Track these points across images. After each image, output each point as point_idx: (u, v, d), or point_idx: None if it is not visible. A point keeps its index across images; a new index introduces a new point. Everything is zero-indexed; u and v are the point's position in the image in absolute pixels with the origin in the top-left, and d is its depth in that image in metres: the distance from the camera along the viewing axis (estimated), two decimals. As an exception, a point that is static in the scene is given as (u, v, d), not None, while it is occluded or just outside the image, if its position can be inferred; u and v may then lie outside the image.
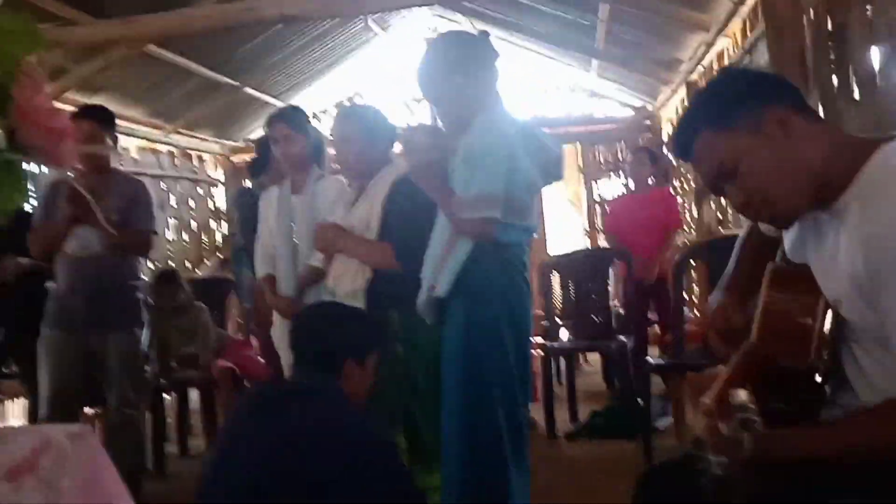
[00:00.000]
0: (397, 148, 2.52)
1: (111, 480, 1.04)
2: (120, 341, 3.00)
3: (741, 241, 1.48)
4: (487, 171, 1.92)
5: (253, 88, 6.59)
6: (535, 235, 4.40)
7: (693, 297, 5.59)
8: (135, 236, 3.03)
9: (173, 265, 6.08)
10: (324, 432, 1.70)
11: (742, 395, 1.09)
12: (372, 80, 7.94)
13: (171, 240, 6.72)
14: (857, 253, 1.10)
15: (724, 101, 1.22)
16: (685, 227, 6.02)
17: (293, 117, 2.80)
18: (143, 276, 3.23)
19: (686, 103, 5.61)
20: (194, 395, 4.53)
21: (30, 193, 4.86)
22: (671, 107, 6.60)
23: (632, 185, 4.82)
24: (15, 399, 3.84)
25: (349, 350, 1.87)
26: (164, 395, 4.30)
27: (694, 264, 4.20)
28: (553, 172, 2.12)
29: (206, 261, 6.91)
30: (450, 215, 2.00)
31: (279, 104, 6.87)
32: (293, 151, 2.73)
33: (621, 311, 4.71)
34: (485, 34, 2.14)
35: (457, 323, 2.00)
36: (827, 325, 1.21)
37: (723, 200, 5.15)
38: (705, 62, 5.18)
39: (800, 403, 1.18)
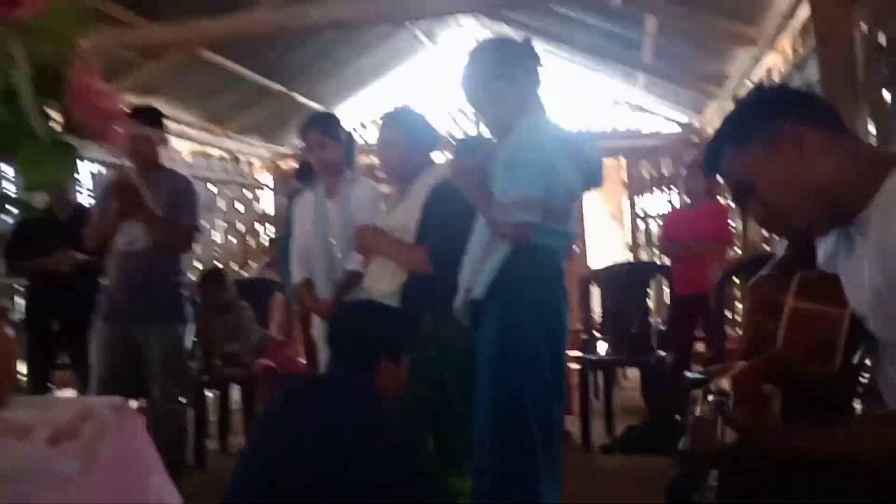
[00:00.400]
0: (439, 155, 2.57)
1: (149, 455, 1.08)
2: (162, 335, 3.07)
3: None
4: (527, 176, 1.94)
5: (302, 95, 6.72)
6: (574, 245, 4.40)
7: (735, 314, 5.49)
8: (178, 231, 3.10)
9: (220, 265, 6.22)
10: (352, 423, 1.74)
11: (725, 382, 1.12)
12: (419, 91, 8.03)
13: (218, 241, 6.88)
14: (876, 266, 1.09)
15: (743, 118, 1.27)
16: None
17: (326, 123, 2.87)
18: (188, 273, 3.31)
19: (741, 99, 5.53)
20: (236, 392, 4.63)
21: (88, 190, 5.07)
22: (718, 122, 6.51)
23: (686, 198, 4.77)
24: (67, 390, 3.96)
25: (385, 348, 1.92)
26: (207, 392, 4.41)
27: (738, 281, 4.14)
28: (593, 179, 2.13)
29: (251, 262, 7.05)
30: (489, 219, 2.02)
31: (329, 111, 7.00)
32: (327, 157, 2.80)
33: (662, 326, 4.66)
34: (528, 40, 2.16)
35: (492, 326, 2.01)
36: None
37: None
38: (753, 77, 5.11)
39: (825, 413, 1.16)
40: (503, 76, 2.05)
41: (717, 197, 4.76)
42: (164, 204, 3.03)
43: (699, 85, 6.14)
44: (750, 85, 5.21)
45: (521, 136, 1.99)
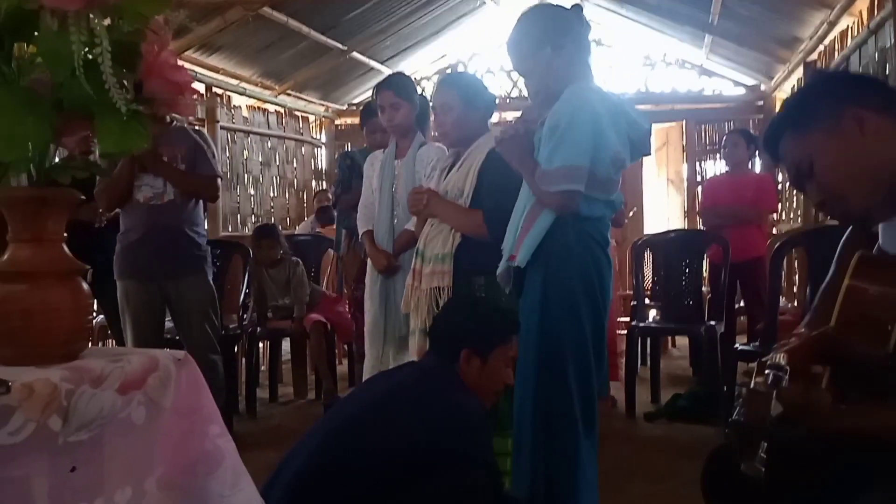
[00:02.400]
0: (495, 117, 2.56)
1: (209, 406, 1.15)
2: (193, 287, 3.12)
3: (842, 245, 1.45)
4: (572, 144, 1.92)
5: (360, 53, 6.72)
6: (630, 210, 4.29)
7: (793, 287, 5.37)
8: (203, 181, 3.15)
9: (261, 221, 6.35)
10: (423, 393, 1.88)
11: (781, 356, 1.12)
12: (478, 50, 7.93)
13: (274, 197, 7.02)
14: None
15: (804, 101, 1.27)
16: (781, 213, 5.77)
17: (400, 84, 2.85)
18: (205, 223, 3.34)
19: (803, 83, 5.33)
20: (286, 344, 4.77)
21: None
22: (787, 87, 6.28)
23: (727, 167, 4.66)
24: (102, 343, 4.05)
25: (469, 340, 1.96)
26: (259, 344, 4.56)
27: (795, 253, 4.05)
28: (641, 147, 2.09)
29: (306, 219, 7.18)
30: (533, 187, 2.02)
31: (384, 70, 6.99)
32: (398, 118, 2.81)
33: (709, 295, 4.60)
34: (578, 7, 2.12)
35: (534, 293, 2.02)
36: None
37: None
38: (826, 41, 4.90)
39: (874, 394, 1.15)
40: (551, 43, 2.02)
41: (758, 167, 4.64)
42: (184, 157, 3.07)
43: (769, 48, 5.92)
44: (822, 49, 5.00)
45: (568, 104, 1.96)
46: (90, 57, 0.76)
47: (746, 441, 1.12)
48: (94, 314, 3.91)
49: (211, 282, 3.24)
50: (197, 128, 3.49)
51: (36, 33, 0.79)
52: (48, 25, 0.76)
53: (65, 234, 0.96)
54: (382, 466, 1.75)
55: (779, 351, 1.21)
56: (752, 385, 1.12)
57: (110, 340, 3.90)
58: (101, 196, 3.09)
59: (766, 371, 1.10)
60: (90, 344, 1.07)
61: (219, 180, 3.25)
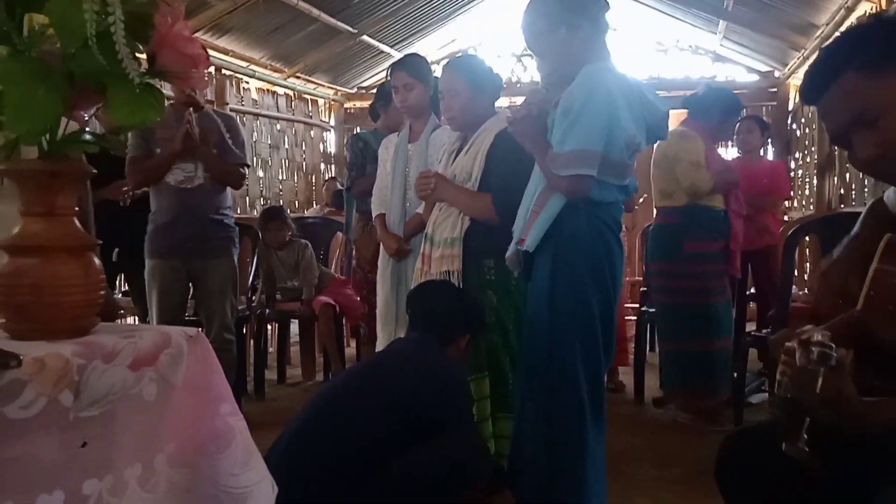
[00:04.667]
0: (502, 101, 2.54)
1: (220, 384, 1.14)
2: (220, 268, 3.19)
3: (862, 217, 1.40)
4: (586, 127, 1.89)
5: (369, 36, 6.68)
6: (641, 196, 4.26)
7: (805, 274, 5.34)
8: (233, 169, 3.20)
9: (282, 203, 6.36)
10: (419, 360, 2.02)
11: (821, 335, 1.07)
12: (486, 33, 7.88)
13: (282, 180, 7.01)
14: None
15: (880, 44, 1.12)
16: (793, 200, 5.72)
17: (414, 65, 2.82)
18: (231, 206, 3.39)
19: (869, 23, 5.26)
20: (295, 326, 4.78)
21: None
22: (801, 74, 6.20)
23: (739, 153, 4.61)
24: (129, 319, 4.12)
25: (471, 325, 2.18)
26: (268, 325, 4.57)
27: (808, 240, 4.01)
28: (657, 130, 2.06)
29: (315, 204, 7.17)
30: (544, 170, 1.99)
31: (394, 53, 6.95)
32: (411, 100, 2.78)
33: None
34: None
35: (543, 277, 2.01)
36: None
37: (847, 176, 4.87)
38: (843, 27, 4.83)
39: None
40: (568, 23, 1.98)
41: (788, 154, 4.59)
42: (215, 143, 3.11)
43: (784, 34, 5.85)
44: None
45: (583, 86, 1.92)
46: (102, 28, 0.75)
47: (792, 419, 1.09)
48: (119, 291, 4.01)
49: (236, 264, 3.31)
50: (228, 114, 3.54)
51: (48, 3, 0.78)
52: (60, -5, 0.75)
53: (89, 211, 0.95)
54: (375, 427, 1.85)
55: (816, 330, 1.17)
56: (798, 362, 1.08)
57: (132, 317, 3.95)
58: (132, 174, 3.15)
59: (812, 348, 1.06)
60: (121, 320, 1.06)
61: (246, 168, 3.31)
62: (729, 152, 7.10)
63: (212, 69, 5.63)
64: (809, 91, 1.19)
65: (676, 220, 3.49)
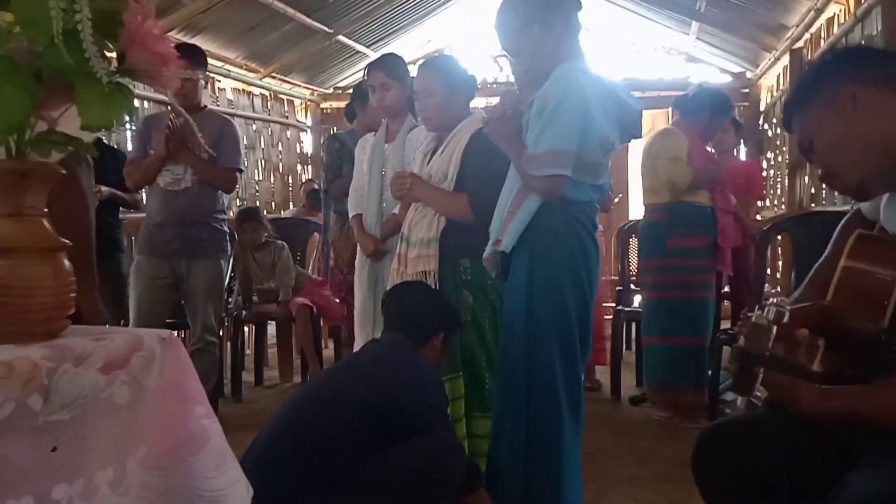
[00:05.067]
0: (478, 101, 2.54)
1: (193, 386, 1.13)
2: (206, 270, 3.19)
3: (840, 227, 1.45)
4: (560, 127, 1.90)
5: (345, 36, 6.66)
6: (615, 196, 4.31)
7: (777, 273, 5.41)
8: (224, 172, 3.19)
9: (259, 204, 6.31)
10: (393, 360, 2.04)
11: (779, 300, 1.14)
12: (462, 34, 7.89)
13: (258, 180, 6.96)
14: None
15: (807, 81, 1.32)
16: (767, 199, 5.80)
17: (391, 65, 2.81)
18: (226, 210, 3.40)
19: (790, 71, 5.34)
20: (272, 328, 4.75)
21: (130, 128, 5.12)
22: (772, 75, 6.30)
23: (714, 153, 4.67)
24: None
25: (445, 325, 2.18)
26: (244, 327, 4.54)
27: (780, 239, 4.07)
28: (631, 129, 2.08)
29: (291, 206, 7.13)
30: (519, 170, 2.00)
31: (370, 53, 6.93)
32: (388, 100, 2.78)
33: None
34: None
35: (520, 277, 2.02)
36: None
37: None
38: (813, 29, 4.91)
39: (868, 371, 1.16)
40: (541, 21, 1.98)
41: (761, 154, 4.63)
42: (207, 146, 3.08)
43: (756, 35, 5.93)
44: (809, 37, 5.01)
45: (557, 85, 1.93)
46: (70, 26, 0.74)
47: (746, 372, 1.14)
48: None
49: (222, 267, 3.30)
50: (226, 116, 3.53)
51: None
52: (26, -9, 0.74)
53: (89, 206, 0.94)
54: (349, 429, 1.86)
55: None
56: (752, 318, 1.14)
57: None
58: (129, 176, 3.21)
59: (769, 308, 1.12)
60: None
61: (238, 173, 3.30)
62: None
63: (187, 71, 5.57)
64: (786, 126, 1.40)
65: (662, 218, 3.55)
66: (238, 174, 3.30)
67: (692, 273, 3.49)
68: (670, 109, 7.35)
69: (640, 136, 2.16)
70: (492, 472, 2.10)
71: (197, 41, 5.59)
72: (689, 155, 3.50)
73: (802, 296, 1.33)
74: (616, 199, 4.64)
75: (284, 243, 4.40)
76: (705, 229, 3.52)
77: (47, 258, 0.94)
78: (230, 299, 4.17)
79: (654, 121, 7.58)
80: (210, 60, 5.85)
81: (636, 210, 7.16)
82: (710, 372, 3.50)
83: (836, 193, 4.54)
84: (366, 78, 2.89)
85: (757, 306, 1.15)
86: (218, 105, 6.23)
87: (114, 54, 0.84)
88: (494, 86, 7.45)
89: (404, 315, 2.18)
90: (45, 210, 0.94)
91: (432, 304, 2.21)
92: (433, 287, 2.32)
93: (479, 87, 2.61)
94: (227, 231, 3.35)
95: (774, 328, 1.11)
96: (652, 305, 3.65)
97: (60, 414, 0.90)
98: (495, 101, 2.52)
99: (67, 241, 0.93)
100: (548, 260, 1.98)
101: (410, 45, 7.73)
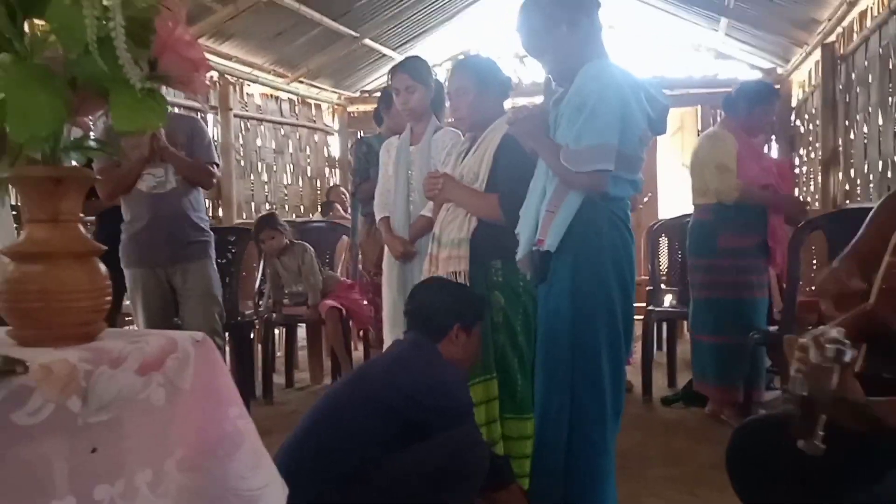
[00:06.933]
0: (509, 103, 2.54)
1: (227, 387, 1.14)
2: (198, 273, 3.14)
3: (876, 208, 1.41)
4: (601, 122, 1.88)
5: (372, 40, 6.69)
6: (645, 195, 4.27)
7: (812, 271, 5.31)
8: (205, 168, 3.15)
9: (284, 208, 6.34)
10: (405, 362, 2.06)
11: (836, 332, 1.07)
12: (488, 35, 7.88)
13: (287, 184, 7.02)
14: None
15: None
16: (800, 197, 5.70)
17: (415, 67, 2.82)
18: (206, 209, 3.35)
19: (821, 66, 5.25)
20: (302, 331, 4.78)
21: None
22: (804, 70, 6.19)
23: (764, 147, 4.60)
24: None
25: (461, 317, 2.13)
26: (275, 330, 4.58)
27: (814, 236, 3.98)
28: (658, 125, 2.06)
29: (319, 206, 7.18)
30: (557, 169, 1.97)
31: (397, 56, 6.95)
32: (413, 102, 2.78)
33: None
34: None
35: (563, 279, 1.98)
36: None
37: (852, 172, 4.84)
38: (845, 23, 4.82)
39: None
40: (568, 21, 1.98)
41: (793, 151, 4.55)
42: (182, 145, 3.07)
43: (786, 30, 5.83)
44: (841, 31, 4.92)
45: (594, 81, 1.92)
46: (103, 33, 0.75)
47: (807, 416, 1.08)
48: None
49: (214, 267, 3.25)
50: (190, 114, 3.47)
51: (49, 8, 0.78)
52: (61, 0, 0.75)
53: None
54: (374, 429, 1.88)
55: (830, 326, 1.17)
56: (812, 359, 1.07)
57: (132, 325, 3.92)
58: (103, 185, 3.04)
59: (827, 345, 1.06)
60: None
61: (216, 167, 3.24)
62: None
63: (214, 74, 5.64)
64: None
65: (710, 217, 3.52)
66: (217, 168, 3.25)
67: (741, 273, 3.45)
68: (699, 107, 7.28)
69: (665, 133, 2.13)
70: (535, 473, 2.09)
71: (225, 48, 5.67)
72: (739, 157, 3.46)
73: (840, 267, 1.30)
74: (645, 199, 4.59)
75: (307, 245, 4.43)
76: (755, 228, 3.48)
77: (83, 262, 0.96)
78: (261, 303, 4.21)
79: (684, 119, 7.50)
80: (238, 66, 5.97)
81: (665, 209, 7.09)
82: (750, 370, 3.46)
83: (871, 189, 4.45)
84: (390, 81, 2.90)
85: (810, 337, 1.10)
86: (246, 110, 6.30)
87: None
88: (523, 86, 7.42)
89: (419, 313, 2.17)
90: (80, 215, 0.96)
91: (443, 296, 2.17)
92: (451, 281, 2.31)
93: (513, 87, 2.60)
94: (211, 231, 3.27)
95: (837, 367, 1.06)
96: (701, 304, 3.63)
97: (99, 415, 0.91)
98: (522, 101, 2.51)
99: (103, 247, 0.95)
100: (593, 260, 1.96)
101: (436, 48, 7.75)
